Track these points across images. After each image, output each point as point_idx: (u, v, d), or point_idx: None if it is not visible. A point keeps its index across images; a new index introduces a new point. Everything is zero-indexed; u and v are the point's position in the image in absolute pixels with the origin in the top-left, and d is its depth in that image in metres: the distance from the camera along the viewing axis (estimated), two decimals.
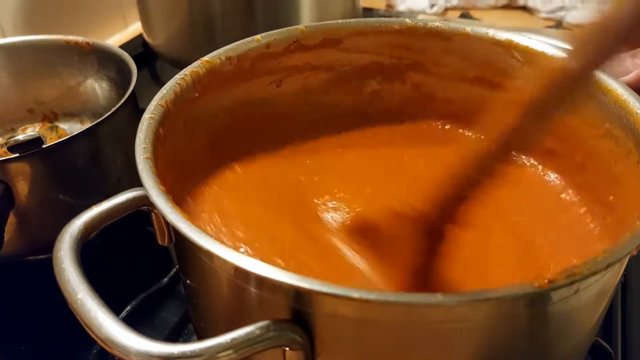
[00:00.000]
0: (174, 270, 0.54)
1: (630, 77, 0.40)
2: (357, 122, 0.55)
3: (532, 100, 0.31)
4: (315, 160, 0.51)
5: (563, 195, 0.47)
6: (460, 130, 0.55)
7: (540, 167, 0.50)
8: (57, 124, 0.65)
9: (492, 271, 0.40)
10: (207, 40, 0.74)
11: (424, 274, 0.37)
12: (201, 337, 0.42)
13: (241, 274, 0.31)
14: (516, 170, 0.50)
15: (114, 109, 0.50)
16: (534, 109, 0.31)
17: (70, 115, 0.66)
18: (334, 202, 0.46)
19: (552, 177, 0.49)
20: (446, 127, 0.55)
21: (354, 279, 0.39)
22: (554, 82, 0.31)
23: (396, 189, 0.47)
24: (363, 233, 0.41)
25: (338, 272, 0.39)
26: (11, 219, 0.48)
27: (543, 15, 1.07)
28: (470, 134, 0.54)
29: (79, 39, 0.62)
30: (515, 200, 0.46)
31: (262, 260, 0.28)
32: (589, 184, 0.46)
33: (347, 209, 0.45)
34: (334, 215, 0.45)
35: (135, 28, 1.00)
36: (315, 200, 0.46)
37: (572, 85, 0.31)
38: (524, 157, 0.51)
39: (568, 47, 0.30)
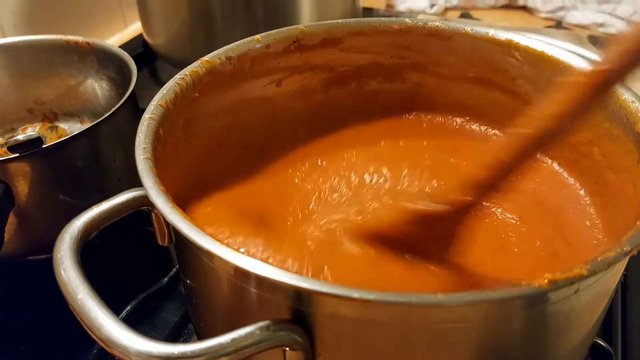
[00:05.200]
0: (174, 270, 0.54)
1: None
2: (357, 120, 0.55)
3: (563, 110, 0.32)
4: (317, 158, 0.51)
5: (571, 191, 0.47)
6: (463, 122, 0.55)
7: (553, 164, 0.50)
8: (57, 124, 0.65)
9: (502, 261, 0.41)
10: (207, 40, 0.74)
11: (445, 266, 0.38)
12: (201, 337, 0.42)
13: (241, 274, 0.31)
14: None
15: (114, 109, 0.50)
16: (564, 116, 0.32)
17: (70, 115, 0.66)
18: (340, 202, 0.46)
19: (567, 177, 0.49)
20: (444, 119, 0.56)
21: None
22: (585, 93, 0.32)
23: (402, 182, 0.47)
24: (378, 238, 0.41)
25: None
26: (11, 219, 0.48)
27: (543, 15, 1.07)
28: (473, 126, 0.54)
29: (79, 39, 0.62)
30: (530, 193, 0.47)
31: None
32: (590, 182, 0.46)
33: (356, 210, 0.45)
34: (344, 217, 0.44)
35: (135, 28, 1.00)
36: (320, 197, 0.46)
37: (599, 94, 0.32)
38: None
39: (597, 58, 0.31)
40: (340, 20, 0.52)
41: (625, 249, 0.29)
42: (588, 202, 0.46)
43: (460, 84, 0.53)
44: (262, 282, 0.30)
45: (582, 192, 0.47)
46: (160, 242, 0.38)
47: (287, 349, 0.30)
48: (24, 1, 0.80)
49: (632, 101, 0.41)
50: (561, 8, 1.06)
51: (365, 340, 0.30)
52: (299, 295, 0.29)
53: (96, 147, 0.51)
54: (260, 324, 0.29)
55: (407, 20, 0.52)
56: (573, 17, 1.03)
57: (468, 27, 0.51)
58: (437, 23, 0.51)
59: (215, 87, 0.47)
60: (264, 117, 0.53)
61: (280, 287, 0.29)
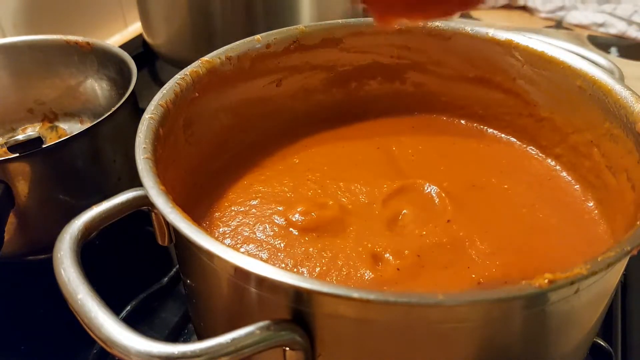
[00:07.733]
0: (174, 270, 0.54)
1: None
2: (357, 120, 0.55)
3: None
4: (317, 158, 0.51)
5: (570, 191, 0.47)
6: (463, 122, 0.55)
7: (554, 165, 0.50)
8: (57, 124, 0.65)
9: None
10: (207, 40, 0.74)
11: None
12: (201, 337, 0.42)
13: (241, 274, 0.31)
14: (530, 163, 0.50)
15: (114, 109, 0.50)
16: None
17: (70, 115, 0.66)
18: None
19: (567, 177, 0.49)
20: (444, 119, 0.56)
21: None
22: None
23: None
24: None
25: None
26: (11, 219, 0.48)
27: (543, 15, 1.07)
28: (473, 126, 0.54)
29: (79, 39, 0.62)
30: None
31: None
32: (590, 182, 0.46)
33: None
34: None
35: (135, 28, 1.00)
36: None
37: None
38: (533, 148, 0.51)
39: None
40: (340, 20, 0.52)
41: (625, 248, 0.29)
42: (588, 202, 0.46)
43: (460, 84, 0.53)
44: (262, 282, 0.30)
45: (582, 192, 0.47)
46: (160, 242, 0.38)
47: (287, 349, 0.30)
48: (24, 1, 0.80)
49: (632, 101, 0.41)
50: (561, 8, 1.06)
51: (365, 340, 0.30)
52: (299, 295, 0.29)
53: (96, 147, 0.51)
54: (260, 324, 0.29)
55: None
56: (573, 17, 1.03)
57: (468, 27, 0.51)
58: (437, 23, 0.51)
59: (215, 87, 0.47)
60: (264, 117, 0.53)
61: (280, 287, 0.29)
